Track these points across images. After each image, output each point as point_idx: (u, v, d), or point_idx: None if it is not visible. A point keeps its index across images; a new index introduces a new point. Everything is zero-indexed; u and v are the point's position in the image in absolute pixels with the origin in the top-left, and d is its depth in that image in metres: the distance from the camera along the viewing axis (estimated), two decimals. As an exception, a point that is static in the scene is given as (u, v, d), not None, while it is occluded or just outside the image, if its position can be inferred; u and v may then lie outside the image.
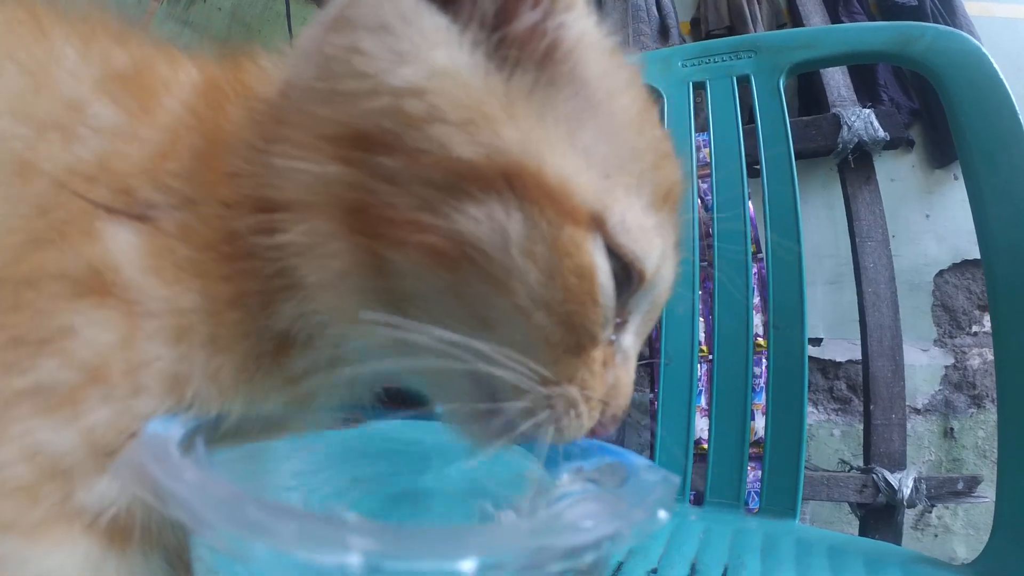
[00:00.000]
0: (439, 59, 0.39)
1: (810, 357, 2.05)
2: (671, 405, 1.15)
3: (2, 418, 0.40)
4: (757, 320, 1.42)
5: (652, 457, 1.13)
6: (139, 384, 0.41)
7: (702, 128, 1.21)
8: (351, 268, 0.41)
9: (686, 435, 1.12)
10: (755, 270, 1.51)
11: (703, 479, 1.09)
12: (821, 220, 2.04)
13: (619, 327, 0.46)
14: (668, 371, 1.16)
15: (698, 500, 1.10)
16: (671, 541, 0.92)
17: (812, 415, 2.07)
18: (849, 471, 1.68)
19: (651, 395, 1.97)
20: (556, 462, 0.45)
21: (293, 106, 0.42)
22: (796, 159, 1.10)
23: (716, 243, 1.15)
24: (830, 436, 2.07)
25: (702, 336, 1.54)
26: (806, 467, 1.91)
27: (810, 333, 2.04)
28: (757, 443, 1.15)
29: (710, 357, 1.15)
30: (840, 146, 1.71)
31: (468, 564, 0.28)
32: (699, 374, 1.48)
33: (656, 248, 0.44)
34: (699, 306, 1.53)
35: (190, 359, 0.42)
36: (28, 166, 0.43)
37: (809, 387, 2.07)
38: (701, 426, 1.51)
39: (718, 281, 1.15)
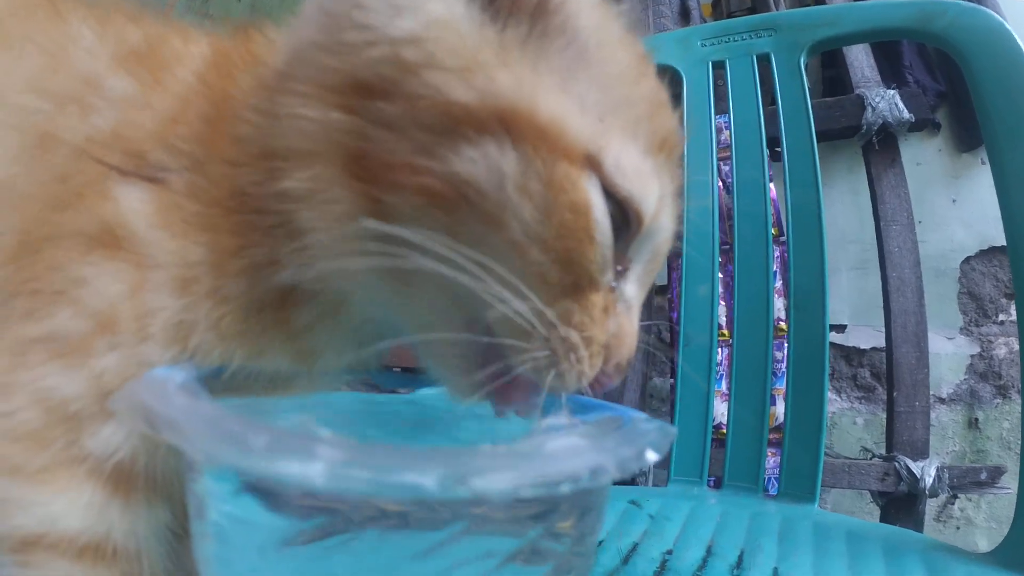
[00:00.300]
0: (435, 10, 0.41)
1: (834, 344, 2.04)
2: (690, 389, 1.15)
3: (16, 364, 0.43)
4: (779, 304, 1.40)
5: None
6: (145, 332, 0.44)
7: (722, 109, 1.19)
8: (352, 213, 0.42)
9: (704, 419, 1.11)
10: (777, 253, 1.49)
11: (723, 465, 1.08)
12: (846, 204, 2.00)
13: (620, 275, 0.46)
14: (687, 354, 1.15)
15: (718, 486, 1.09)
16: (687, 523, 0.92)
17: (835, 403, 2.04)
18: (871, 459, 1.65)
19: (671, 381, 1.96)
20: (554, 413, 0.45)
21: (297, 61, 0.44)
22: (820, 141, 1.08)
23: (736, 225, 1.15)
24: (853, 425, 2.04)
25: (723, 320, 1.53)
26: (828, 455, 1.91)
27: (834, 319, 2.02)
28: (778, 429, 1.14)
29: (731, 341, 1.13)
30: (864, 128, 1.68)
31: (430, 479, 0.28)
32: (719, 358, 1.47)
33: (653, 190, 0.44)
34: (719, 289, 1.52)
35: (194, 309, 0.44)
36: (49, 137, 0.48)
37: (832, 375, 2.05)
38: (722, 411, 1.50)
39: (738, 264, 1.14)
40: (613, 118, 0.44)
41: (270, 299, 0.46)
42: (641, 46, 0.50)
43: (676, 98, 1.23)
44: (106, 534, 0.44)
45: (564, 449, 0.32)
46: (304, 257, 0.45)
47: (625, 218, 0.44)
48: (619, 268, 0.46)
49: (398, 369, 0.53)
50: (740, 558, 0.80)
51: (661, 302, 2.06)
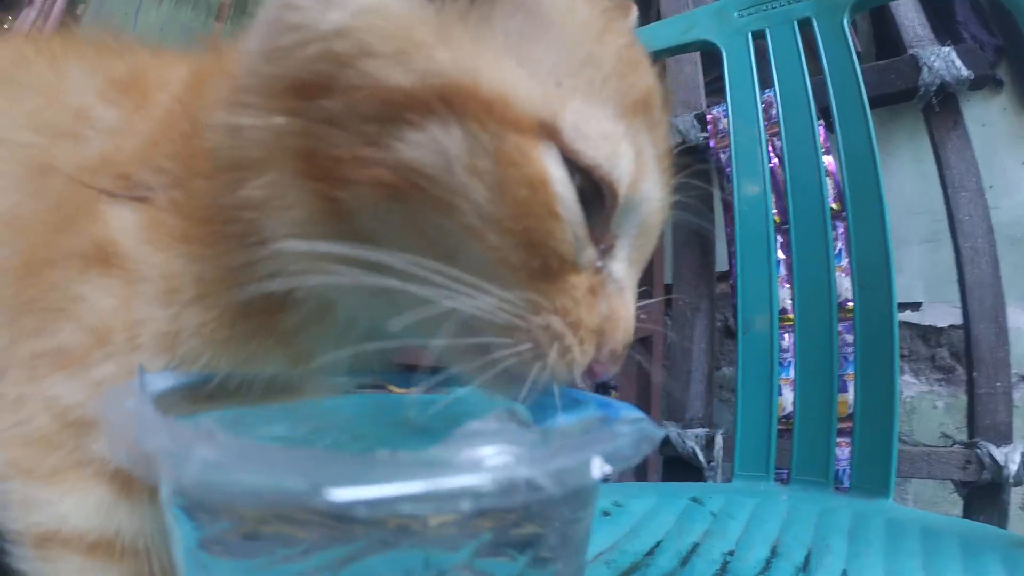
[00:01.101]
0: None
1: (909, 323, 1.95)
2: (752, 377, 1.10)
3: (27, 377, 0.47)
4: (847, 283, 1.34)
5: (735, 433, 1.09)
6: (136, 342, 0.46)
7: (769, 83, 1.14)
8: (311, 216, 0.42)
9: (768, 409, 1.07)
10: (841, 229, 1.42)
11: (791, 457, 1.04)
12: (909, 173, 1.89)
13: (606, 253, 0.43)
14: (747, 341, 1.11)
15: (788, 480, 1.04)
16: (751, 521, 0.88)
17: (913, 386, 1.94)
18: (951, 446, 1.56)
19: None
20: (552, 411, 0.42)
21: (246, 73, 0.44)
22: (876, 107, 1.02)
23: (791, 202, 1.10)
24: (932, 408, 1.94)
25: (788, 303, 1.47)
26: (907, 442, 1.82)
27: (908, 297, 1.93)
28: (850, 417, 1.08)
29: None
30: (922, 89, 1.58)
31: (297, 483, 0.25)
32: (786, 344, 1.41)
33: (625, 155, 0.41)
34: (781, 271, 1.46)
35: (179, 318, 0.46)
36: (46, 168, 0.52)
37: (909, 356, 1.96)
38: (791, 399, 1.45)
39: (795, 242, 1.09)
40: (573, 80, 0.41)
41: (255, 305, 0.46)
42: (603, 3, 0.47)
43: (718, 77, 1.20)
44: (115, 532, 0.46)
45: (473, 460, 0.28)
46: (275, 264, 0.44)
47: (598, 190, 0.41)
48: (603, 246, 0.43)
49: (413, 367, 0.50)
50: (807, 559, 0.76)
51: (724, 288, 2.01)
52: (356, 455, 0.28)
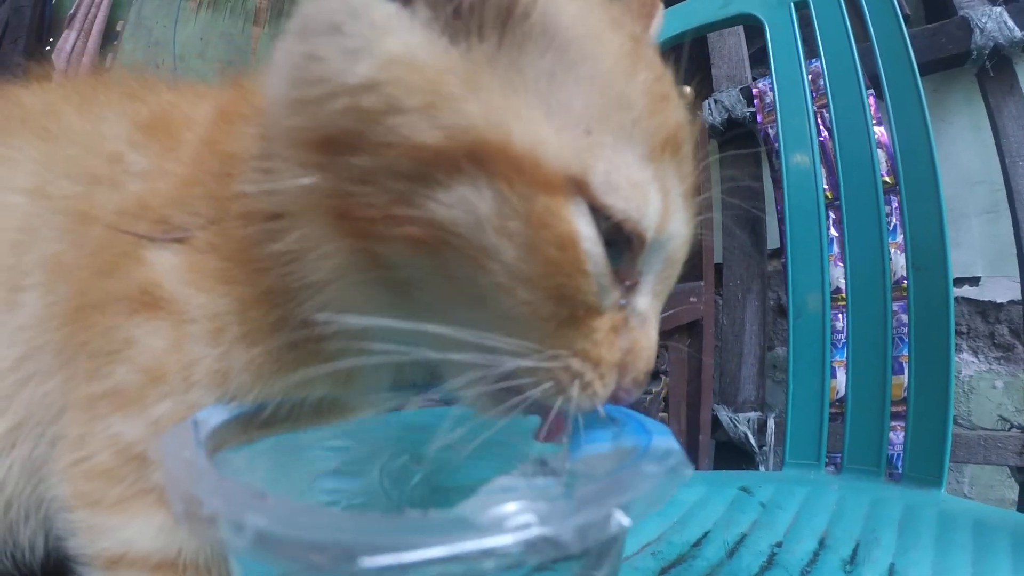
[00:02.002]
0: (389, 47, 0.38)
1: (967, 299, 1.87)
2: (804, 362, 1.07)
3: (88, 417, 0.49)
4: (902, 260, 1.28)
5: (786, 417, 1.06)
6: (190, 381, 0.48)
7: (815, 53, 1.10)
8: (348, 265, 0.42)
9: (820, 395, 1.03)
10: (895, 204, 1.36)
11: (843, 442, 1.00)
12: (967, 141, 1.80)
13: (630, 290, 0.44)
14: (799, 325, 1.08)
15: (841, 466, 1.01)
16: (800, 512, 0.87)
17: (972, 365, 1.87)
18: (1009, 430, 1.50)
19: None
20: (578, 439, 0.43)
21: (272, 120, 0.44)
22: (928, 72, 0.98)
23: (841, 177, 1.06)
24: (992, 389, 1.86)
25: (841, 283, 1.42)
26: (964, 425, 1.76)
27: (966, 271, 1.85)
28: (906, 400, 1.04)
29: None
30: (974, 53, 1.50)
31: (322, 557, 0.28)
32: (840, 325, 1.36)
33: (653, 203, 0.41)
34: (835, 249, 1.41)
35: (229, 355, 0.48)
36: (87, 215, 0.54)
37: (967, 333, 1.88)
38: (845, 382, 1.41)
39: (847, 218, 1.05)
40: (603, 125, 0.40)
41: (298, 336, 0.47)
42: (636, 28, 0.46)
43: (763, 49, 1.16)
44: (177, 552, 0.48)
45: (498, 519, 0.29)
46: (318, 302, 0.46)
47: (626, 236, 0.41)
48: (628, 284, 0.43)
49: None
50: (855, 552, 0.74)
51: (776, 266, 1.96)
52: (389, 518, 0.29)
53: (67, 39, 2.56)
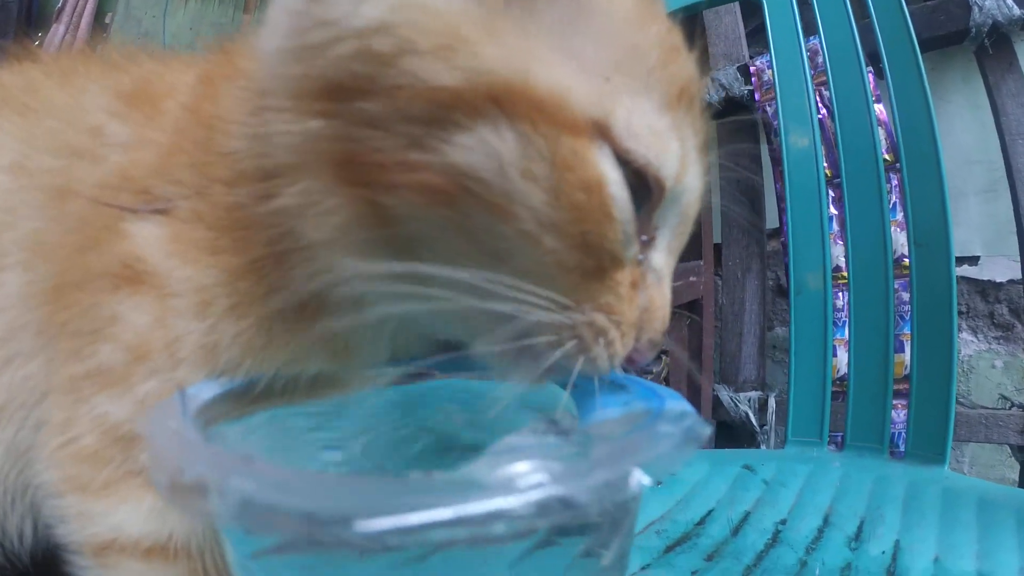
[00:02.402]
0: None
1: (967, 278, 1.87)
2: (806, 340, 1.07)
3: (72, 399, 0.48)
4: (903, 238, 1.28)
5: (788, 396, 1.06)
6: (177, 357, 0.46)
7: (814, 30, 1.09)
8: (351, 221, 0.40)
9: (823, 373, 1.04)
10: (895, 182, 1.36)
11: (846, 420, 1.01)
12: (965, 120, 1.78)
13: (646, 245, 0.43)
14: (800, 303, 1.08)
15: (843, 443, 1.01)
16: (804, 489, 0.87)
17: (971, 344, 1.86)
18: (1010, 408, 1.50)
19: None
20: (592, 400, 0.41)
21: (268, 72, 0.42)
22: (927, 50, 0.96)
23: (842, 155, 1.05)
24: (991, 368, 1.85)
25: (842, 261, 1.42)
26: (964, 404, 1.76)
27: (966, 251, 1.85)
28: (907, 379, 1.04)
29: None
30: (973, 31, 1.49)
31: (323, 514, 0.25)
32: (841, 303, 1.36)
33: (672, 151, 0.40)
34: (835, 227, 1.41)
35: (217, 328, 0.46)
36: (66, 190, 0.53)
37: (966, 312, 1.87)
38: (846, 360, 1.41)
39: (848, 196, 1.05)
40: (620, 74, 0.39)
41: (291, 308, 0.46)
42: None
43: (760, 27, 1.15)
44: (168, 536, 0.47)
45: (506, 479, 0.26)
46: (314, 268, 0.44)
47: (645, 185, 0.40)
48: (644, 238, 0.42)
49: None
50: (859, 529, 0.75)
51: (775, 246, 1.96)
52: (389, 480, 0.27)
53: (56, 33, 2.54)
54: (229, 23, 2.59)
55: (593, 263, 0.39)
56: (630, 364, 0.43)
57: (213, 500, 0.27)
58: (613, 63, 0.39)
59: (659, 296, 0.43)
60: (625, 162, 0.38)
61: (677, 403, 0.37)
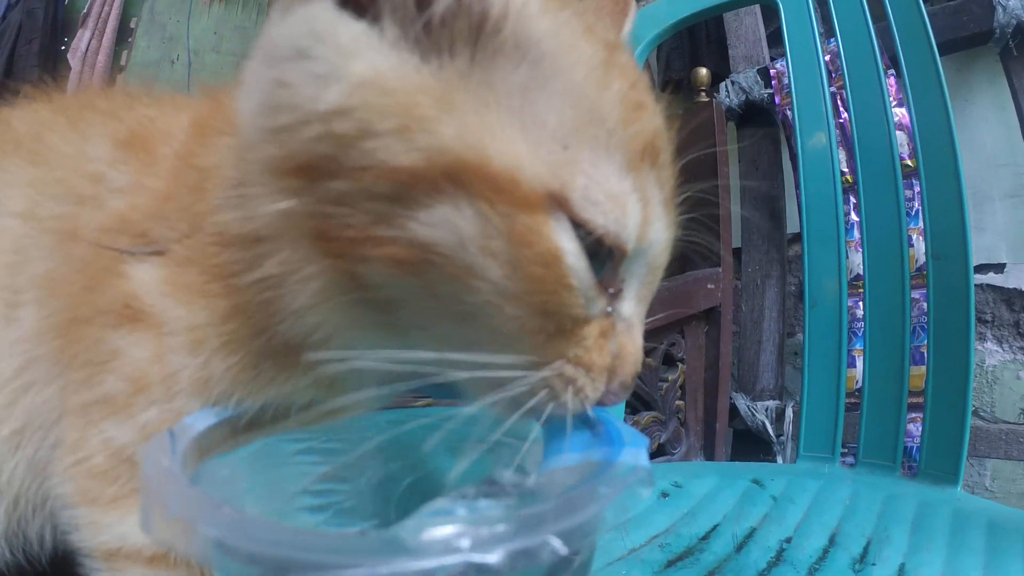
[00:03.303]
0: (359, 71, 0.38)
1: (992, 286, 1.82)
2: (820, 353, 1.04)
3: (83, 423, 0.52)
4: (923, 247, 1.25)
5: (800, 408, 1.04)
6: (173, 390, 0.50)
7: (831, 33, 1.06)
8: (330, 287, 0.43)
9: (836, 387, 1.01)
10: (917, 188, 1.32)
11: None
12: (990, 123, 1.74)
13: (615, 296, 0.44)
14: (815, 314, 1.06)
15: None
16: (812, 507, 0.85)
17: (996, 354, 1.81)
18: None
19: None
20: (560, 439, 0.43)
21: (245, 147, 0.44)
22: (950, 52, 0.94)
23: (859, 160, 1.03)
24: (1016, 380, 1.80)
25: (860, 270, 1.39)
26: (986, 419, 1.71)
27: (990, 257, 1.80)
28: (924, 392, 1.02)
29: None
30: (997, 31, 1.46)
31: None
32: (860, 312, 1.33)
33: (632, 214, 0.41)
34: (854, 234, 1.38)
35: (209, 364, 0.49)
36: (73, 234, 0.57)
37: (991, 321, 1.82)
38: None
39: (864, 203, 1.02)
40: (579, 140, 0.40)
41: (277, 345, 0.48)
42: (611, 33, 0.46)
43: (779, 30, 1.13)
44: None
45: (430, 542, 0.29)
46: (296, 324, 0.46)
47: (607, 248, 0.41)
48: (612, 291, 0.44)
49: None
50: (865, 550, 0.73)
51: (797, 251, 1.93)
52: (328, 535, 0.30)
53: (81, 38, 2.59)
54: (252, 26, 2.63)
55: (555, 326, 0.41)
56: (603, 405, 0.45)
57: (185, 540, 0.31)
58: (572, 129, 0.40)
59: (629, 342, 0.45)
60: (582, 228, 0.39)
61: (633, 455, 0.38)
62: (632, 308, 0.46)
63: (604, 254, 0.41)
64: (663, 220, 0.44)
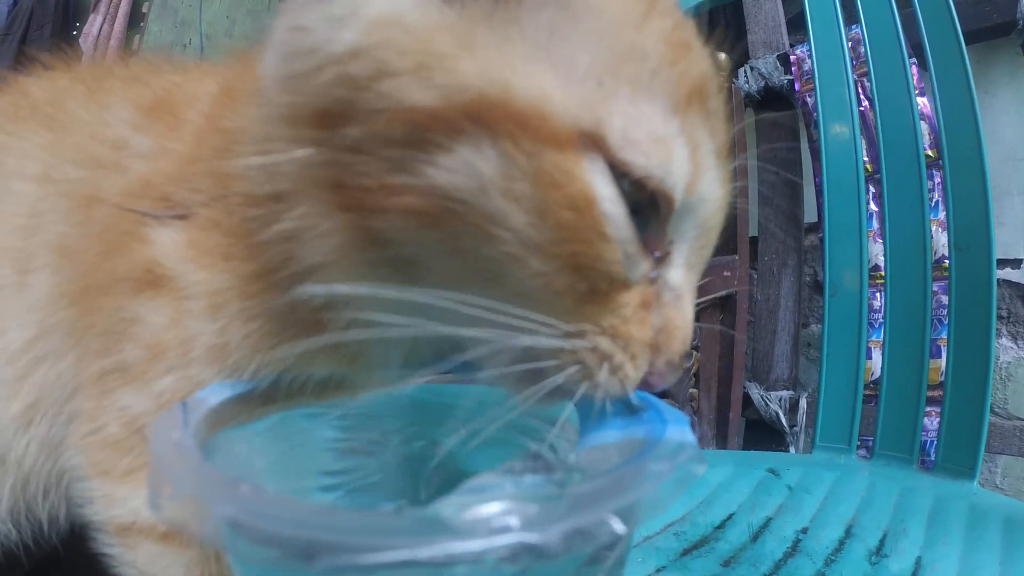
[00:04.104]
0: (376, 9, 0.36)
1: (1008, 282, 1.80)
2: (839, 343, 1.03)
3: (98, 391, 0.52)
4: (944, 239, 1.23)
5: (817, 399, 1.03)
6: (190, 356, 0.49)
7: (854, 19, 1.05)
8: (348, 243, 0.40)
9: (855, 378, 1.00)
10: (938, 179, 1.31)
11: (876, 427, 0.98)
12: (1010, 115, 1.70)
13: (661, 261, 0.40)
14: (835, 304, 1.04)
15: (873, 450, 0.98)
16: (828, 498, 0.85)
17: (1011, 351, 1.79)
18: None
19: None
20: (596, 417, 0.40)
21: (265, 100, 0.42)
22: (972, 42, 0.92)
23: (882, 149, 1.01)
24: (1032, 377, 1.80)
25: (880, 260, 1.38)
26: (1000, 415, 1.70)
27: (1008, 253, 1.78)
28: (942, 386, 1.01)
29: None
30: (1020, 22, 1.44)
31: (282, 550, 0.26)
32: (878, 304, 1.32)
33: (678, 159, 0.37)
34: (874, 224, 1.37)
35: (227, 331, 0.48)
36: (92, 198, 0.56)
37: (1007, 318, 1.80)
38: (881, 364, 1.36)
39: (887, 193, 1.01)
40: (616, 77, 0.37)
41: (300, 312, 0.46)
42: None
43: (801, 14, 1.12)
44: None
45: (477, 521, 0.26)
46: (319, 279, 0.43)
47: (651, 197, 0.37)
48: (658, 254, 0.40)
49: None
50: (881, 542, 0.72)
51: (813, 240, 1.91)
52: (361, 513, 0.28)
53: (93, 23, 2.59)
54: (265, 10, 2.63)
55: (587, 285, 0.37)
56: (648, 388, 0.40)
57: (197, 520, 0.29)
58: (608, 67, 0.37)
59: (677, 316, 0.40)
60: (623, 175, 0.36)
61: (678, 431, 0.35)
62: (681, 276, 0.41)
63: (650, 209, 0.38)
64: (715, 172, 0.41)
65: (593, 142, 0.35)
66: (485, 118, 0.35)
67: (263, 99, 0.43)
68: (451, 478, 0.49)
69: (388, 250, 0.39)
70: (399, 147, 0.36)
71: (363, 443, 0.53)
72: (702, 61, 0.41)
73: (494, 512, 0.26)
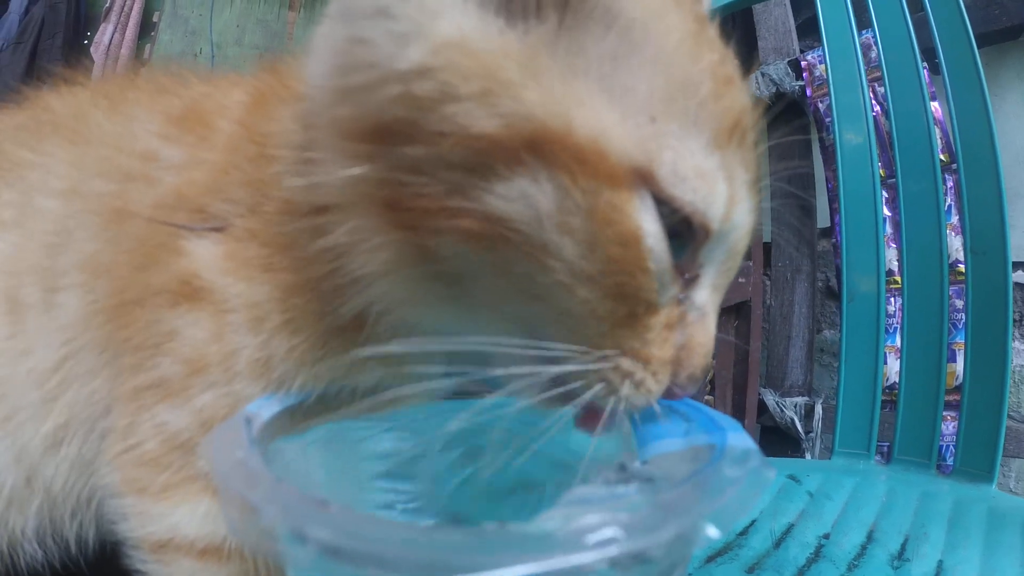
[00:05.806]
0: (444, 31, 0.36)
1: (1020, 284, 1.79)
2: (856, 348, 1.03)
3: (134, 407, 0.51)
4: (958, 243, 1.23)
5: (836, 402, 1.03)
6: (232, 371, 0.48)
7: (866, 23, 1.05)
8: (399, 258, 0.41)
9: (873, 383, 1.00)
10: (951, 183, 1.31)
11: (894, 431, 0.98)
12: (1021, 119, 1.68)
13: (690, 283, 0.42)
14: (852, 308, 1.04)
15: (890, 454, 0.98)
16: (849, 503, 0.85)
17: (1022, 354, 1.79)
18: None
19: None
20: (652, 427, 0.42)
21: (315, 110, 0.42)
22: (982, 46, 0.92)
23: (897, 154, 1.02)
24: (1043, 381, 1.79)
25: (896, 265, 1.37)
26: (1014, 418, 1.69)
27: (1019, 256, 1.77)
28: (959, 389, 1.01)
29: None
30: (1030, 25, 1.44)
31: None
32: (893, 308, 1.32)
33: (719, 193, 0.39)
34: (888, 229, 1.36)
35: (270, 344, 0.47)
36: (122, 212, 0.55)
37: (1020, 321, 1.79)
38: (897, 368, 1.35)
39: (903, 198, 1.01)
40: (668, 112, 0.38)
41: (343, 322, 0.46)
42: (698, 9, 0.42)
43: (810, 20, 1.12)
44: (223, 538, 0.49)
45: (581, 533, 0.26)
46: (366, 296, 0.44)
47: (689, 227, 0.39)
48: (687, 276, 0.41)
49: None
50: (903, 546, 0.72)
51: (826, 246, 1.91)
52: (465, 532, 0.28)
53: (104, 32, 2.61)
54: (275, 20, 2.64)
55: (625, 311, 0.39)
56: (670, 398, 0.42)
57: (289, 545, 0.28)
58: (662, 100, 0.38)
59: (700, 333, 0.42)
60: (669, 208, 0.37)
61: (740, 439, 0.36)
62: (707, 296, 0.43)
63: (686, 236, 0.39)
64: (747, 203, 0.42)
65: (643, 179, 0.36)
66: (545, 151, 0.35)
67: (309, 107, 0.43)
68: (483, 495, 0.51)
69: (437, 265, 0.40)
70: (459, 170, 0.36)
71: (409, 460, 0.53)
72: (743, 95, 0.42)
73: (598, 522, 0.27)
